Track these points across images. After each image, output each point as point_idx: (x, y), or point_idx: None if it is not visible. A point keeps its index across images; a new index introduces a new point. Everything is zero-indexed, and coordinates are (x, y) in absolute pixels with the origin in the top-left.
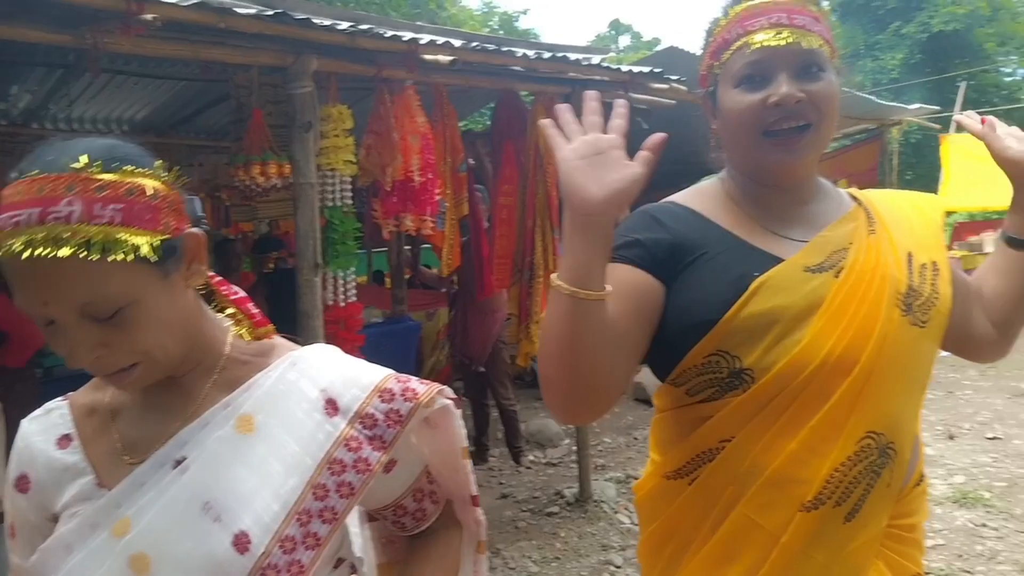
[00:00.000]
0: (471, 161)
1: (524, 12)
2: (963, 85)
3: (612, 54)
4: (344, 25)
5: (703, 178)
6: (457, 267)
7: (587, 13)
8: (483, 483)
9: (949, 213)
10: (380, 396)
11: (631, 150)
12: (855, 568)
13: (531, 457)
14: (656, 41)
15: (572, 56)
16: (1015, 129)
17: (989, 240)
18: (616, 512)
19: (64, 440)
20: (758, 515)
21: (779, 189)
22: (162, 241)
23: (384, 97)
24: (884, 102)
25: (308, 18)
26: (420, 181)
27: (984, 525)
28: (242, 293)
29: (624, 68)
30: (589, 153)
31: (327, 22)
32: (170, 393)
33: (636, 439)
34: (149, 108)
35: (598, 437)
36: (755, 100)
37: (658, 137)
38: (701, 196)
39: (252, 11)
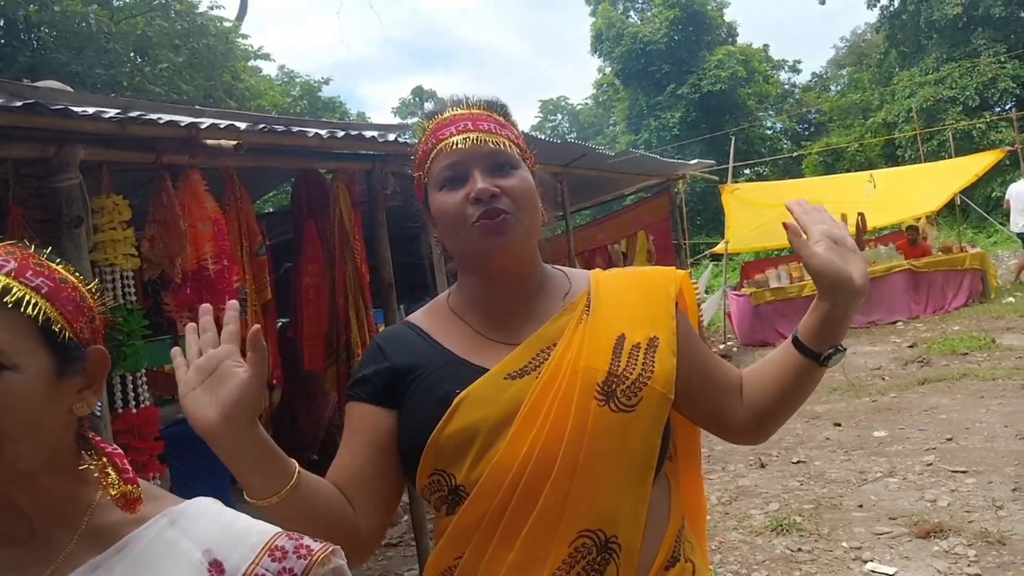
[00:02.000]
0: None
1: (326, 82)
2: (733, 140)
3: (417, 119)
4: (112, 112)
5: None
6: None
7: (391, 80)
8: None
9: (734, 255)
10: (271, 555)
11: None
12: None
13: None
14: None
15: (368, 133)
16: (834, 226)
17: (772, 276)
18: None
19: None
20: None
21: (502, 286)
22: (71, 337)
23: (166, 184)
24: (667, 159)
25: (66, 107)
26: (215, 269)
27: (799, 550)
28: (116, 448)
29: None
30: (202, 378)
31: (91, 110)
32: (25, 549)
33: None
34: None
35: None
36: (458, 198)
37: (255, 331)
38: (430, 313)
39: None
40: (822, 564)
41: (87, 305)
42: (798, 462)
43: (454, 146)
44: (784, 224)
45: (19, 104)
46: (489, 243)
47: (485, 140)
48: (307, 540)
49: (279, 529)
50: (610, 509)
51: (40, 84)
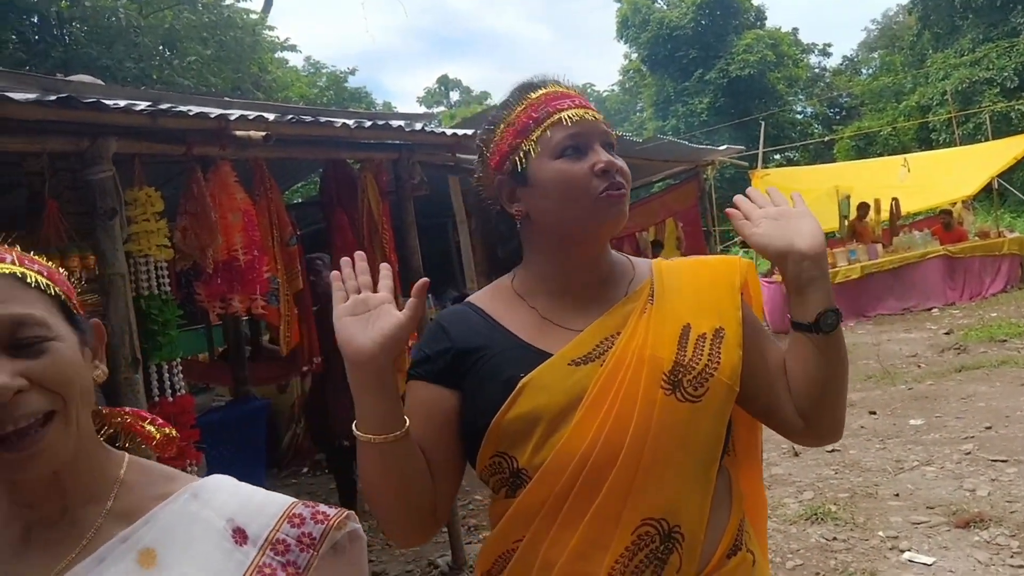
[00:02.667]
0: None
1: (352, 72)
2: (763, 124)
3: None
4: (143, 105)
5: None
6: (298, 342)
7: (416, 70)
8: None
9: None
10: (290, 521)
11: (470, 206)
12: None
13: None
14: (485, 95)
15: (395, 123)
16: (777, 203)
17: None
18: None
19: None
20: None
21: (582, 261)
22: (77, 312)
23: (197, 176)
24: (697, 145)
25: (99, 100)
26: (246, 259)
27: (835, 539)
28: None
29: (449, 132)
30: (360, 310)
31: (123, 103)
32: (57, 528)
33: None
34: None
35: (468, 495)
36: (583, 167)
37: (422, 282)
38: (492, 294)
39: (32, 96)
40: (858, 553)
41: (71, 285)
42: (832, 451)
43: (576, 118)
44: (726, 211)
45: (53, 98)
46: (614, 212)
47: (598, 119)
48: (322, 507)
49: (295, 499)
50: (675, 499)
51: (72, 79)
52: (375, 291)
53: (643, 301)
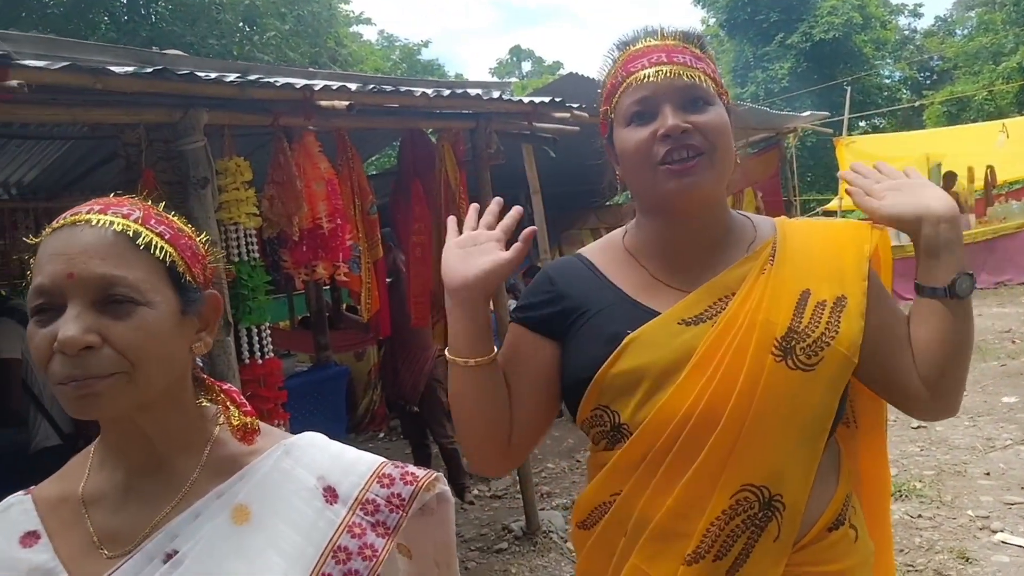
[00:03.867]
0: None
1: (425, 44)
2: (848, 90)
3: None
4: (232, 77)
5: (604, 200)
6: (378, 309)
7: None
8: None
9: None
10: (379, 481)
11: (542, 177)
12: None
13: (476, 492)
14: (558, 64)
15: (473, 92)
16: (888, 173)
17: (892, 234)
18: (566, 541)
19: (29, 537)
20: (648, 566)
21: (685, 229)
22: (190, 280)
23: (283, 146)
24: (778, 111)
25: (192, 72)
26: (329, 228)
27: (920, 516)
28: (231, 386)
29: (526, 100)
30: (468, 244)
31: (214, 75)
32: (153, 479)
33: (579, 462)
34: (37, 170)
35: (541, 463)
36: (645, 134)
37: (529, 230)
38: (603, 249)
39: (130, 69)
40: (945, 532)
41: (201, 253)
42: (918, 427)
43: (646, 79)
44: (846, 190)
45: (150, 70)
46: (675, 188)
47: (679, 73)
48: (411, 468)
49: (384, 459)
50: (777, 467)
51: (166, 52)
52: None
53: (762, 262)
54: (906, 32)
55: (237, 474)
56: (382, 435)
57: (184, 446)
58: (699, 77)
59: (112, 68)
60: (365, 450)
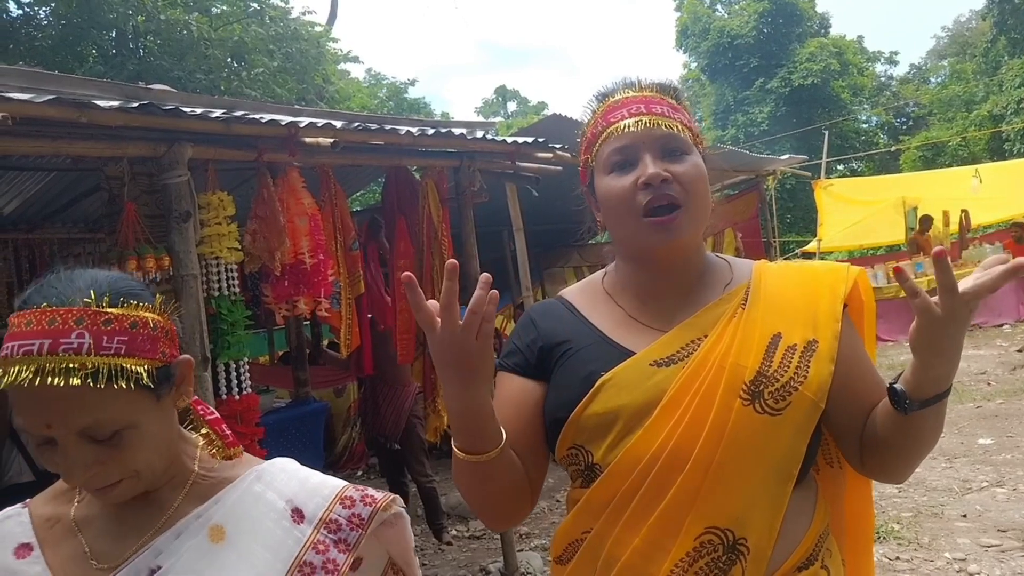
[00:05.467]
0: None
1: (412, 83)
2: (827, 134)
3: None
4: (218, 112)
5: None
6: (358, 346)
7: (474, 80)
8: None
9: (827, 254)
10: (342, 503)
11: (526, 215)
12: None
13: (454, 532)
14: (543, 105)
15: (457, 131)
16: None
17: (868, 276)
18: None
19: (23, 549)
20: None
21: (663, 274)
22: (159, 368)
23: (267, 181)
24: (757, 154)
25: (177, 107)
26: (311, 263)
27: (898, 558)
28: (216, 414)
29: (510, 140)
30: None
31: (199, 110)
32: (142, 505)
33: (559, 502)
34: (17, 200)
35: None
36: (627, 183)
37: (484, 277)
38: (582, 290)
39: (115, 103)
40: (923, 574)
41: (160, 329)
42: None
43: (626, 128)
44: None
45: (135, 105)
46: (658, 240)
47: (658, 123)
48: (370, 491)
49: (346, 483)
50: (742, 510)
51: (152, 87)
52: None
53: (736, 304)
54: (882, 79)
55: (214, 498)
56: (360, 473)
57: (170, 481)
58: (676, 127)
59: (97, 102)
60: None
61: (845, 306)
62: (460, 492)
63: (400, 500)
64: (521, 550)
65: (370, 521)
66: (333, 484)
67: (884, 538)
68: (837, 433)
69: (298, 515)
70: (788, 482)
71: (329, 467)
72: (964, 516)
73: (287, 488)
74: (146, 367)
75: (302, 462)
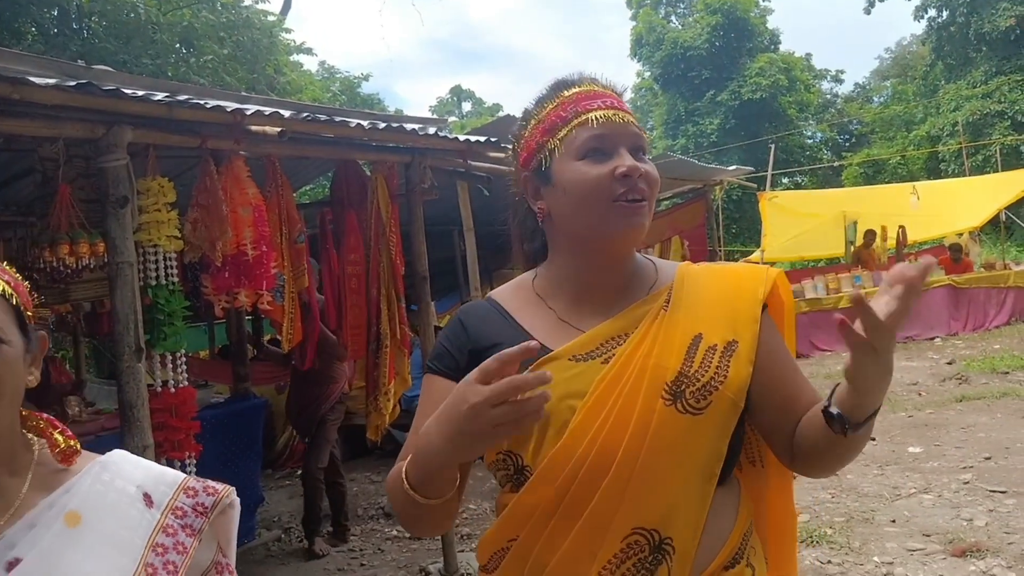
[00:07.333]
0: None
1: (366, 78)
2: (773, 147)
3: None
4: (160, 95)
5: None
6: (301, 341)
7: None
8: (345, 567)
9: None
10: (185, 492)
11: (476, 215)
12: None
13: (394, 532)
14: (498, 107)
15: (409, 126)
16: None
17: (808, 286)
18: None
19: None
20: None
21: (608, 264)
22: (29, 321)
23: (210, 168)
24: (705, 164)
25: (118, 88)
26: (254, 255)
27: (829, 562)
28: (48, 415)
29: (462, 137)
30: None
31: (141, 92)
32: None
33: None
34: None
35: (462, 504)
36: (604, 171)
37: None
38: (514, 292)
39: (52, 81)
40: None
41: (30, 299)
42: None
43: (604, 119)
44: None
45: (73, 83)
46: (628, 225)
47: (630, 121)
48: (211, 482)
49: (186, 475)
50: (667, 510)
51: (93, 67)
52: None
53: (659, 306)
54: (828, 96)
55: (63, 487)
56: (299, 472)
57: (13, 469)
58: (641, 129)
59: (33, 79)
60: (283, 487)
61: (765, 307)
62: (394, 510)
63: (234, 491)
64: (462, 551)
65: (212, 509)
66: (174, 475)
67: (816, 542)
68: (765, 432)
69: (148, 500)
70: (711, 481)
71: (268, 465)
72: (893, 521)
73: (134, 476)
74: (26, 311)
75: (240, 460)
